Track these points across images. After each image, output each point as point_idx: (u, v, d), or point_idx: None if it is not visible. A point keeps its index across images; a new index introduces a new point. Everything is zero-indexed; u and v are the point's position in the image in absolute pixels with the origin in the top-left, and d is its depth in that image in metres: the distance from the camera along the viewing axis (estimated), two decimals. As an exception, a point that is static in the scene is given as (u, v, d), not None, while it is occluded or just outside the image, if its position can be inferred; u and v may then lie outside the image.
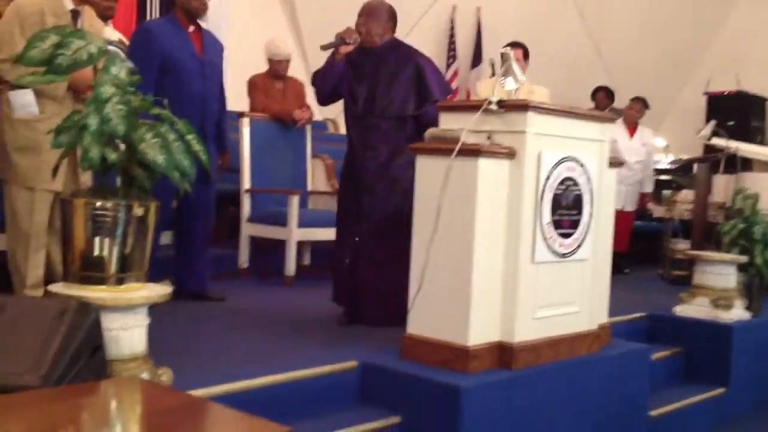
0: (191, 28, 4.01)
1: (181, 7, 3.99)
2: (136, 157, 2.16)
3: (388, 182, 3.69)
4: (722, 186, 5.88)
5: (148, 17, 6.70)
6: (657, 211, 7.62)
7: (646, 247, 7.11)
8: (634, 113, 6.80)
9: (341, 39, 3.70)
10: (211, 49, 4.10)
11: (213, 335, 3.40)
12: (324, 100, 3.93)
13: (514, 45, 5.14)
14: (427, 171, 3.04)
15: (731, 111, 9.11)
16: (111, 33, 4.38)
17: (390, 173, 3.70)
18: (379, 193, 3.70)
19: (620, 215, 6.60)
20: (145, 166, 2.19)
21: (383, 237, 3.67)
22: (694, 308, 4.44)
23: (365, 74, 3.76)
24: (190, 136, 2.26)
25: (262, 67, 5.43)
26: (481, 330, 2.94)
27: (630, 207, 6.77)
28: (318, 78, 3.84)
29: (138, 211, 2.19)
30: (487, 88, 5.56)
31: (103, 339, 2.12)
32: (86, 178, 3.40)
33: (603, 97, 7.59)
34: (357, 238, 3.73)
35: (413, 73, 3.75)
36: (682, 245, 6.30)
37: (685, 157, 7.91)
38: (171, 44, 3.89)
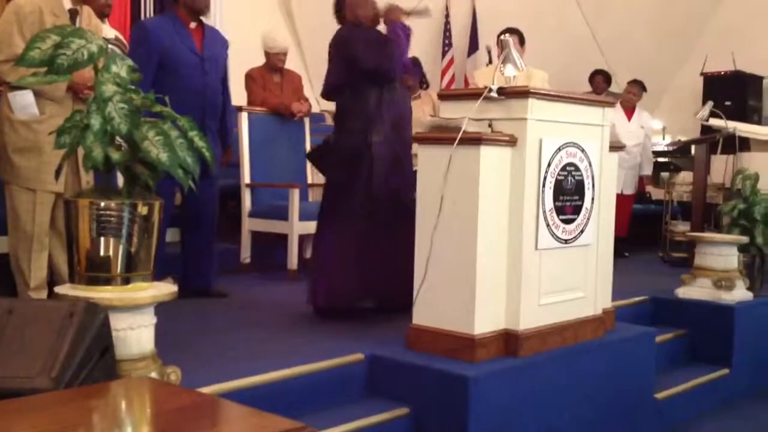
0: (193, 25, 4.03)
1: (185, 5, 4.00)
2: (139, 155, 2.16)
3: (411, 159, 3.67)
4: (721, 167, 5.88)
5: (142, 14, 6.68)
6: (655, 193, 7.64)
7: (645, 230, 7.12)
8: (632, 96, 6.80)
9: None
10: (213, 45, 4.09)
11: (219, 332, 3.40)
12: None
13: (510, 31, 5.13)
14: (430, 160, 3.03)
15: (728, 91, 9.09)
16: (107, 31, 4.37)
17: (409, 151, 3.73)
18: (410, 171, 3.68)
19: (619, 199, 6.62)
20: (149, 165, 2.18)
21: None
22: (696, 290, 4.44)
23: None
24: (193, 133, 2.25)
25: (260, 61, 5.41)
26: (486, 318, 2.94)
27: (629, 191, 6.77)
28: (390, 54, 3.64)
29: (142, 209, 2.18)
30: (485, 76, 5.57)
31: (112, 339, 2.12)
32: (88, 178, 3.39)
33: (601, 80, 7.59)
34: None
35: None
36: (681, 227, 6.33)
37: (682, 138, 7.91)
38: (169, 41, 3.90)
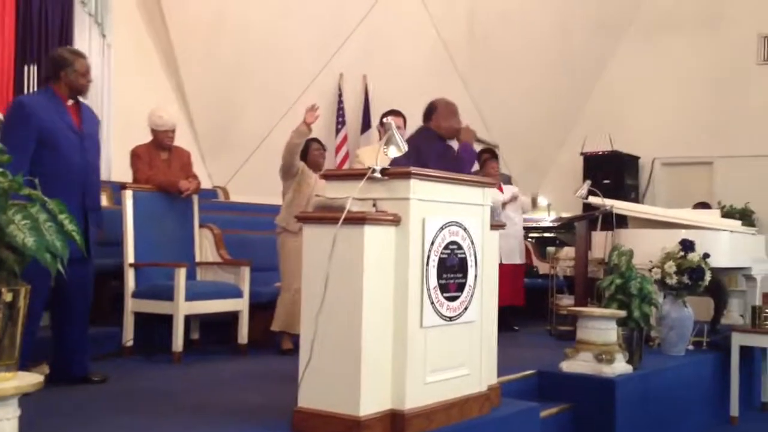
0: (70, 102, 4.00)
1: (67, 83, 3.96)
2: (5, 240, 2.07)
3: None
4: (601, 242, 6.13)
5: (25, 90, 6.49)
6: (542, 267, 7.89)
7: (534, 304, 7.30)
8: (495, 170, 6.83)
9: None
10: (90, 123, 4.09)
11: (94, 421, 3.22)
12: None
13: (393, 113, 5.29)
14: (315, 240, 3.03)
15: (606, 170, 9.63)
16: (-16, 108, 4.24)
17: None
18: None
19: (512, 269, 6.76)
20: (15, 249, 2.10)
21: None
22: (578, 364, 4.53)
23: None
24: (62, 216, 2.18)
25: (148, 137, 5.33)
26: (372, 399, 2.92)
27: (519, 260, 6.95)
28: (456, 170, 3.88)
29: (7, 296, 2.08)
30: (369, 155, 5.68)
31: (-31, 435, 1.98)
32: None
33: (488, 158, 7.81)
34: None
35: None
36: (566, 301, 6.51)
37: (565, 215, 8.25)
38: (48, 118, 3.85)
